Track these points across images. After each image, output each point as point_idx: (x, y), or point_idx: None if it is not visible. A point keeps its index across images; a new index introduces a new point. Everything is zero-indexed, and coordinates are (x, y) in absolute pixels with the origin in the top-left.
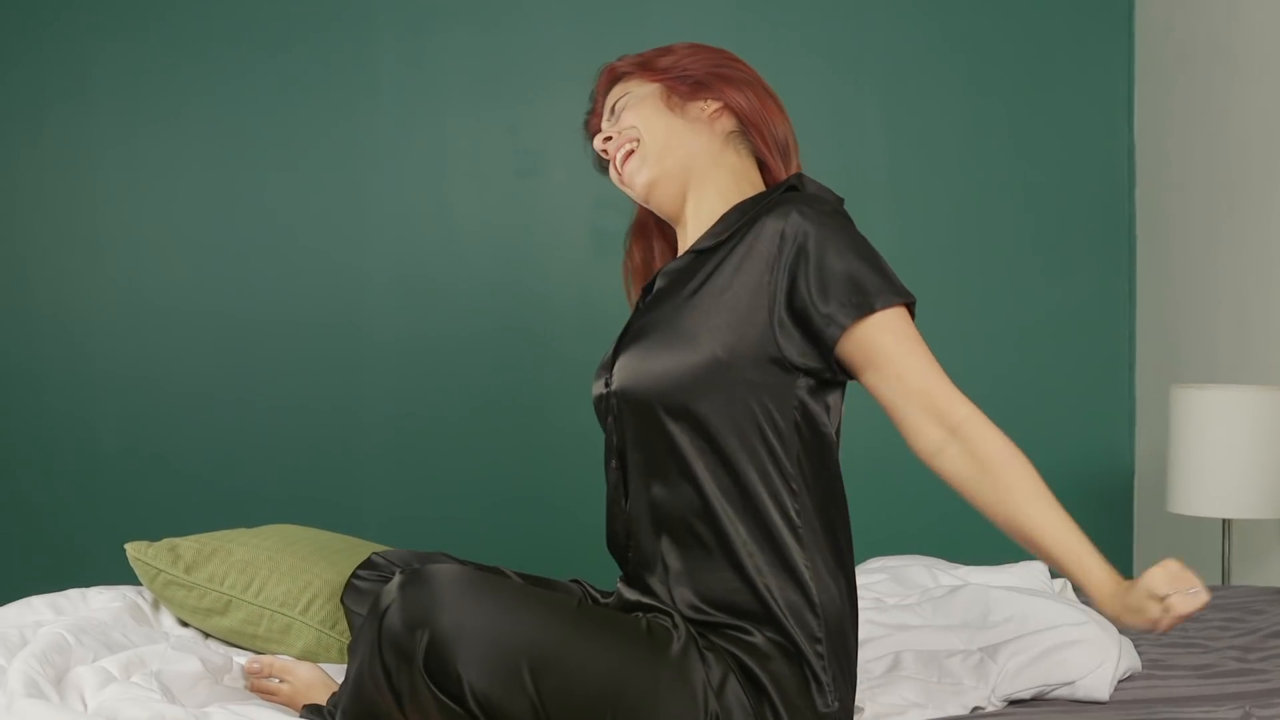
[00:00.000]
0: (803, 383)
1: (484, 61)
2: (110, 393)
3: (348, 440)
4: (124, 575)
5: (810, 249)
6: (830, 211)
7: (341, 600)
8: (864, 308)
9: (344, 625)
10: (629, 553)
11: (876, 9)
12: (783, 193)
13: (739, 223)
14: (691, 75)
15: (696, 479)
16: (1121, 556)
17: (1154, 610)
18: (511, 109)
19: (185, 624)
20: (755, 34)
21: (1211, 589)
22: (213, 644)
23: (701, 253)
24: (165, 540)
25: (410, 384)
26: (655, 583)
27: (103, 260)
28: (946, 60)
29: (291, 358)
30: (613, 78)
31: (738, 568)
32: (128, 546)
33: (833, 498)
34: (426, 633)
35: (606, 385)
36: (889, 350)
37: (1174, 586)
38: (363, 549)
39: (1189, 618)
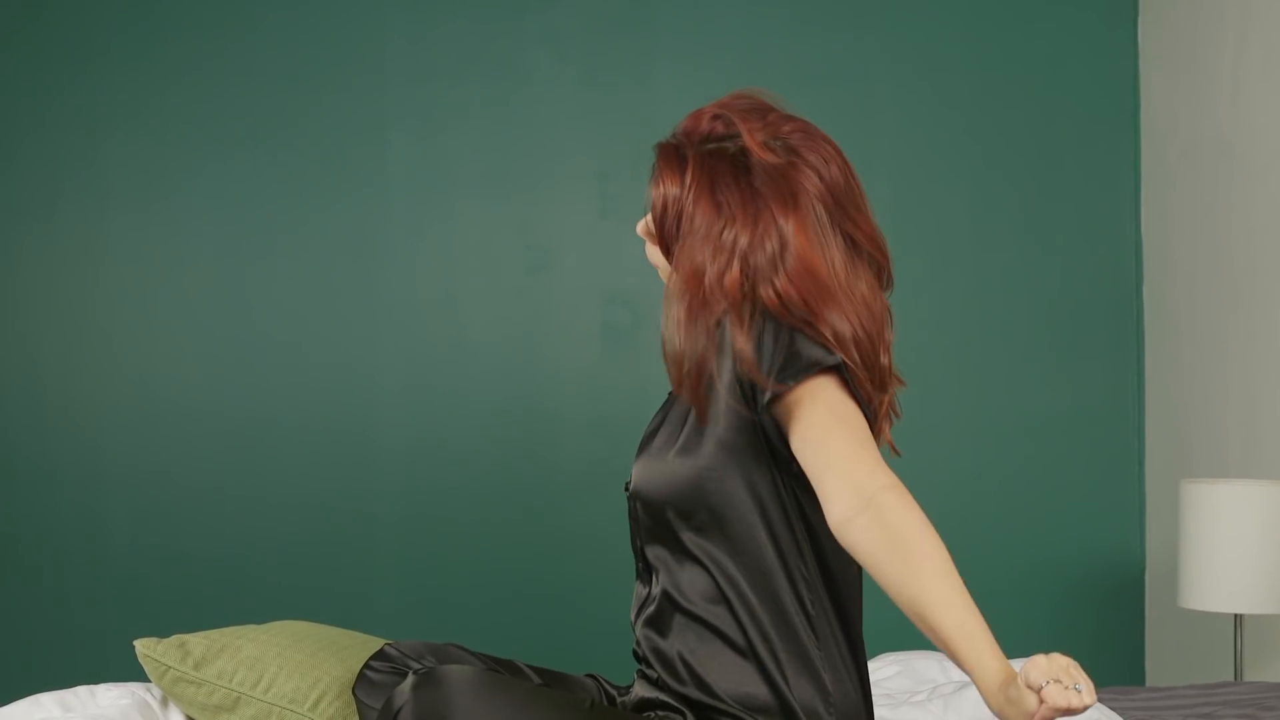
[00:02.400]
0: (796, 468)
1: (494, 158)
2: (121, 488)
3: (358, 535)
4: (132, 672)
5: (754, 349)
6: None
7: (353, 691)
8: (793, 374)
9: None
10: (650, 645)
11: (883, 107)
12: None
13: None
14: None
15: (712, 572)
16: (1133, 652)
17: (1030, 702)
18: (521, 205)
19: None
20: None
21: (1224, 685)
22: None
23: None
24: (174, 636)
25: (420, 478)
26: (672, 679)
27: (113, 355)
28: (954, 158)
29: (301, 452)
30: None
31: (755, 660)
32: (136, 643)
33: (841, 591)
34: None
35: (628, 487)
36: (815, 416)
37: (1051, 675)
38: (372, 645)
39: (1067, 713)
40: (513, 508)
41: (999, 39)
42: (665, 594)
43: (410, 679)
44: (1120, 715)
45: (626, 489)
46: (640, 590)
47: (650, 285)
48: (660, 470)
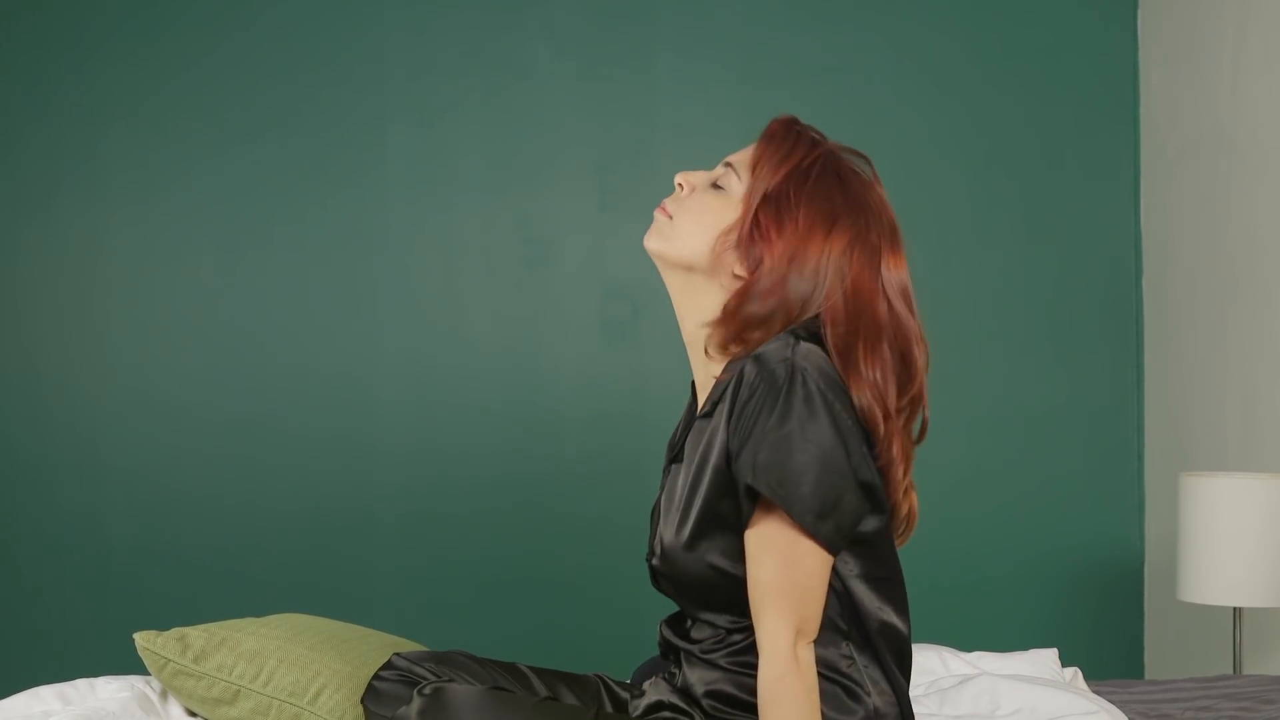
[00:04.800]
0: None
1: (493, 151)
2: (119, 481)
3: (357, 529)
4: (132, 665)
5: (746, 422)
6: (770, 376)
7: (363, 702)
8: (765, 499)
9: (353, 715)
10: (677, 668)
11: (882, 99)
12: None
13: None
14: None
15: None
16: (1132, 645)
17: None
18: (520, 198)
19: (193, 714)
20: (762, 124)
21: (1223, 678)
22: None
23: (705, 416)
24: (174, 630)
25: (419, 471)
26: (700, 690)
27: (112, 348)
28: (954, 151)
29: (300, 446)
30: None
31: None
32: (136, 636)
33: (872, 633)
34: None
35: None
36: (750, 549)
37: None
38: (372, 638)
39: None
40: (511, 500)
41: (999, 32)
42: (708, 633)
43: (416, 701)
44: (1119, 708)
45: (653, 558)
46: (675, 628)
47: (650, 278)
48: (686, 565)
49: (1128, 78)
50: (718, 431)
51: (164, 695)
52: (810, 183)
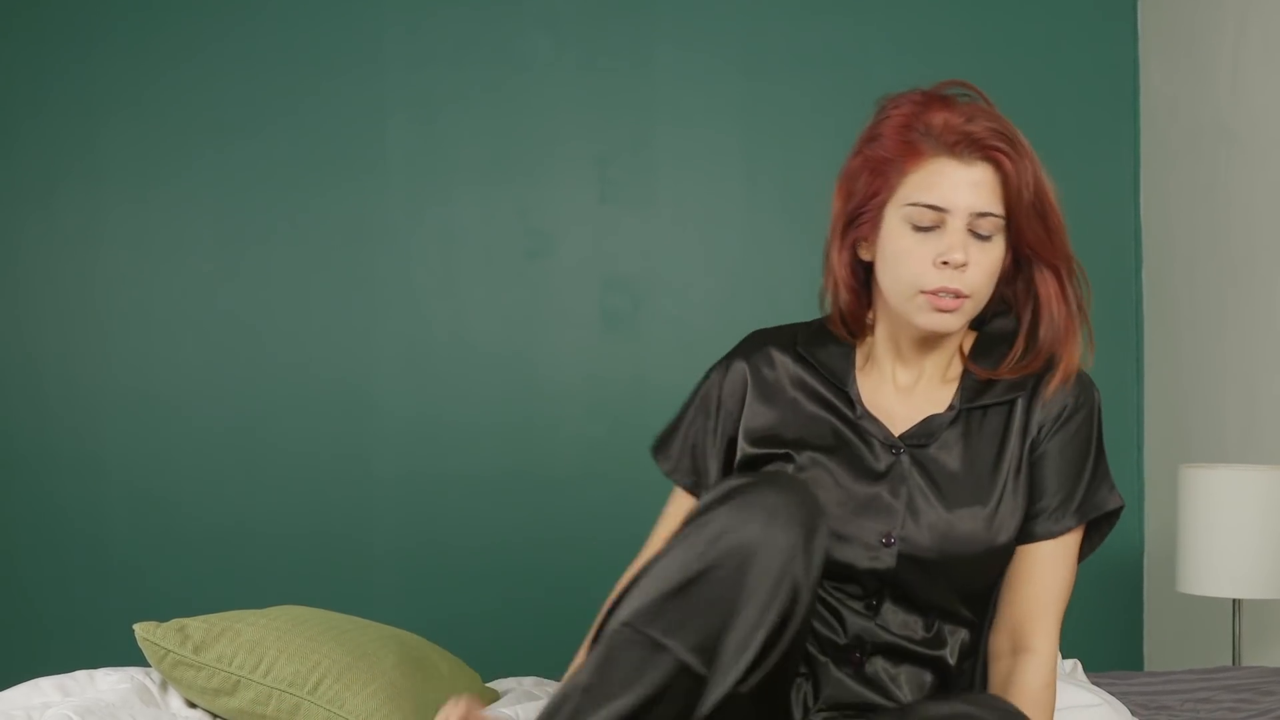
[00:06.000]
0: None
1: (493, 142)
2: (120, 474)
3: (357, 517)
4: (132, 656)
5: (1071, 430)
6: (1093, 406)
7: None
8: (1065, 525)
9: (352, 705)
10: (854, 667)
11: (882, 91)
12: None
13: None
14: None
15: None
16: (1132, 637)
17: None
18: (520, 190)
19: (193, 705)
20: (763, 116)
21: (1223, 670)
22: None
23: (977, 409)
24: (174, 620)
25: (419, 463)
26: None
27: (111, 340)
28: None
29: (299, 438)
30: (999, 159)
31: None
32: (136, 627)
33: None
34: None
35: (888, 539)
36: (1033, 560)
37: None
38: (372, 630)
39: None
40: (511, 491)
41: (998, 24)
42: (904, 635)
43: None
44: (1119, 699)
45: (888, 539)
46: (856, 621)
47: (650, 270)
48: (982, 553)
49: (1128, 70)
50: (1037, 434)
51: (164, 686)
52: (1047, 188)
